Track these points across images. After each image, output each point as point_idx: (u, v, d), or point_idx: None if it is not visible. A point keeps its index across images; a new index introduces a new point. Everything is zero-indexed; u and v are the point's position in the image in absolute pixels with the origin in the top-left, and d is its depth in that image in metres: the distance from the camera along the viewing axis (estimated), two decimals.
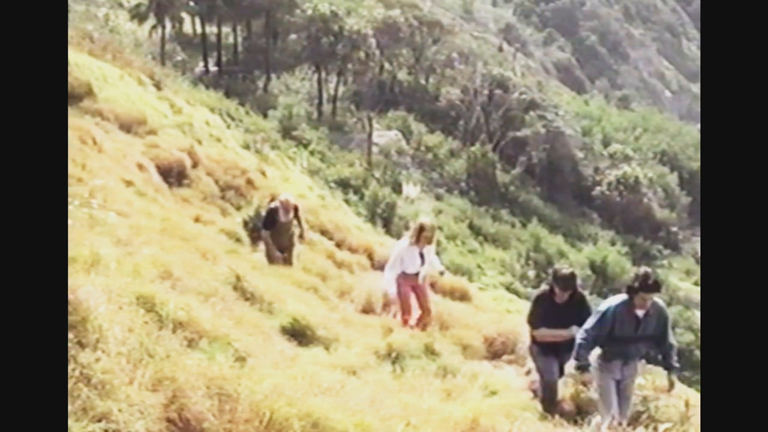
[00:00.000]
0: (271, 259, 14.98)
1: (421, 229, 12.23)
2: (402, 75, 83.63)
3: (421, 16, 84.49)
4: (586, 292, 11.20)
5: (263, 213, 16.22)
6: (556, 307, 9.97)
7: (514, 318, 15.64)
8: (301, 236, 15.84)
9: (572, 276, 9.99)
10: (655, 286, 8.70)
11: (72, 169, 12.75)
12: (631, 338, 8.77)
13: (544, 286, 10.33)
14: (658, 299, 8.91)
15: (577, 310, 9.89)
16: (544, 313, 10.05)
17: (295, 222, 15.50)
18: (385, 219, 51.20)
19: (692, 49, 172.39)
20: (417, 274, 12.38)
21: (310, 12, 69.56)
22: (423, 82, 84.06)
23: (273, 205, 15.37)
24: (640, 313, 8.70)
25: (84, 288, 4.42)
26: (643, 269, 8.95)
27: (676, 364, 8.92)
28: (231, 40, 76.41)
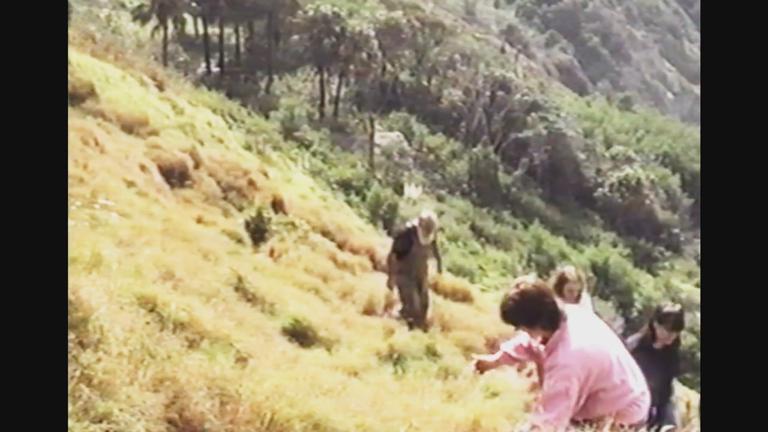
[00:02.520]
0: (405, 300, 13.03)
1: (564, 280, 9.69)
2: (404, 76, 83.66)
3: (424, 17, 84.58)
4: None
5: (394, 235, 14.04)
6: (654, 354, 7.87)
7: None
8: (439, 270, 14.32)
9: (682, 313, 8.10)
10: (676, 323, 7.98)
11: (74, 170, 12.76)
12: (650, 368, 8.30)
13: (643, 330, 8.30)
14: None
15: (674, 357, 8.27)
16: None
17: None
18: (387, 220, 51.18)
19: (694, 50, 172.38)
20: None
21: (312, 13, 69.57)
22: (425, 83, 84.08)
23: (409, 224, 12.99)
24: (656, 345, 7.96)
25: (85, 288, 4.42)
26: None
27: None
28: (233, 41, 76.44)
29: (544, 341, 5.13)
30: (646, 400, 5.20)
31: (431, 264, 13.65)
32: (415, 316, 12.75)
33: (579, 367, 4.90)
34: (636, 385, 5.16)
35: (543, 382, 5.24)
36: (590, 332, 5.14)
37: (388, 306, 13.31)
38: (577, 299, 9.50)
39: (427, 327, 12.70)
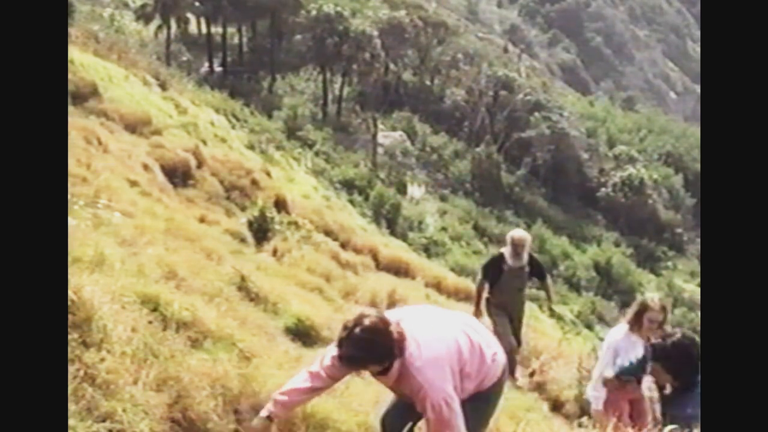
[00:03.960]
0: (495, 335, 10.26)
1: (645, 308, 7.82)
2: (407, 76, 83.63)
3: (426, 16, 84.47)
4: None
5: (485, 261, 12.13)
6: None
7: None
8: (548, 299, 12.39)
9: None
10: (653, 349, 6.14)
11: (77, 169, 12.77)
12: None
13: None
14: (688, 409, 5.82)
15: None
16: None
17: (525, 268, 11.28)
18: (390, 220, 51.17)
19: (697, 50, 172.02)
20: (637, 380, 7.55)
21: (315, 13, 69.54)
22: (428, 83, 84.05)
23: (501, 249, 11.33)
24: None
25: (88, 288, 4.42)
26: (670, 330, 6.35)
27: None
28: (236, 40, 76.44)
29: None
30: (501, 358, 5.24)
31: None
32: (506, 345, 9.95)
33: (441, 375, 4.81)
34: (489, 349, 5.16)
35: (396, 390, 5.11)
36: (429, 331, 4.96)
37: None
38: (658, 329, 7.78)
39: (514, 374, 10.66)
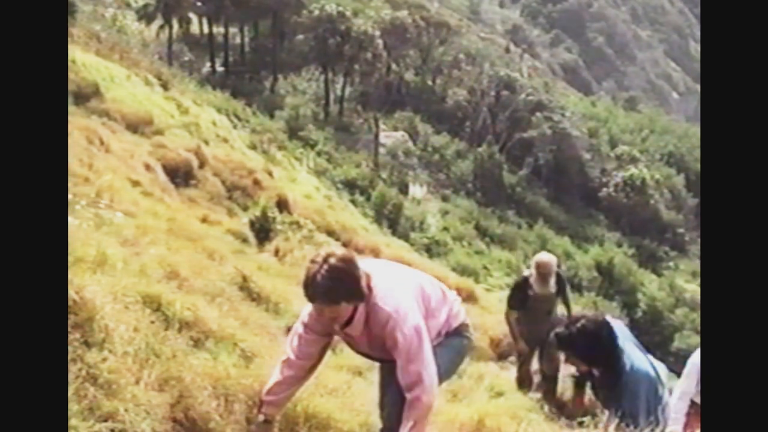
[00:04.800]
0: (521, 370, 10.76)
1: None
2: (409, 76, 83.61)
3: (429, 16, 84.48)
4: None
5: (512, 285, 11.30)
6: None
7: None
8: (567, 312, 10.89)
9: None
10: (559, 343, 5.79)
11: (79, 169, 12.78)
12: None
13: None
14: (629, 388, 5.50)
15: None
16: None
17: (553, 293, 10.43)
18: (392, 220, 51.19)
19: (699, 50, 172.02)
20: None
21: (317, 12, 69.49)
22: (430, 83, 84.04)
23: (527, 272, 10.41)
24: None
25: (90, 288, 4.43)
26: (577, 314, 6.09)
27: None
28: (238, 40, 76.46)
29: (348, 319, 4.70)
30: (460, 307, 5.22)
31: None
32: (521, 381, 10.60)
33: (409, 304, 4.70)
34: (449, 292, 5.23)
35: (365, 352, 5.00)
36: (391, 271, 4.95)
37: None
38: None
39: (568, 407, 9.89)
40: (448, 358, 5.02)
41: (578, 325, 5.51)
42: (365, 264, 4.75)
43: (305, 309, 4.90)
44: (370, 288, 4.61)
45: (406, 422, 4.60)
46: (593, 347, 5.46)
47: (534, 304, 10.16)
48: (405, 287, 4.82)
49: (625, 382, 5.41)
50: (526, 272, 10.45)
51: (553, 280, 10.16)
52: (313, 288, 4.47)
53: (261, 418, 4.77)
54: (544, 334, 9.89)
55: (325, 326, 4.82)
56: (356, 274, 4.53)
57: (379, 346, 4.75)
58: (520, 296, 10.26)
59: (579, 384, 6.58)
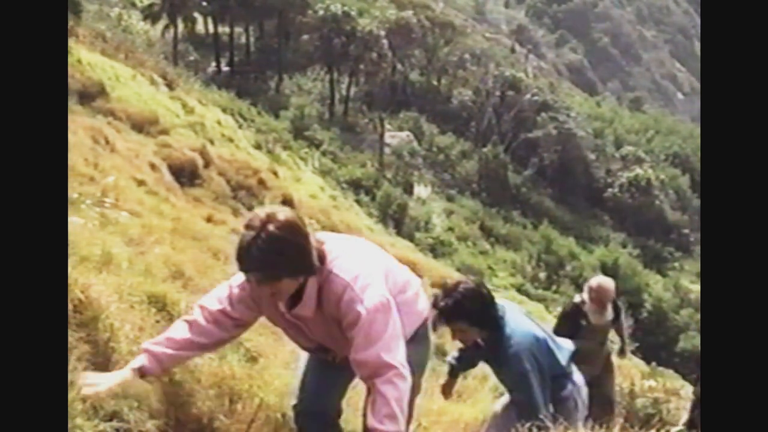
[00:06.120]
0: None
1: None
2: (414, 76, 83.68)
3: (434, 17, 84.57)
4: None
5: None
6: None
7: None
8: (621, 351, 10.03)
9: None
10: (444, 314, 5.05)
11: (84, 168, 12.80)
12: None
13: None
14: (514, 354, 5.05)
15: None
16: None
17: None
18: (397, 220, 51.23)
19: None
20: None
21: (322, 12, 69.60)
22: (435, 83, 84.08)
23: (578, 298, 8.85)
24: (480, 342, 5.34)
25: (95, 287, 4.43)
26: (450, 282, 5.26)
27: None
28: (243, 40, 76.49)
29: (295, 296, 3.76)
30: (424, 294, 4.26)
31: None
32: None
33: (370, 272, 3.79)
34: (415, 278, 4.26)
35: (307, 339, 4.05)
36: (351, 243, 4.02)
37: None
38: None
39: None
40: (416, 351, 4.08)
41: (459, 289, 5.01)
42: (320, 235, 3.84)
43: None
44: (322, 257, 3.68)
45: (377, 411, 3.62)
46: (481, 307, 5.03)
47: (587, 335, 8.46)
48: (367, 255, 3.94)
49: (508, 335, 5.05)
50: (577, 298, 8.87)
51: (610, 308, 8.79)
52: (247, 261, 3.52)
53: (135, 364, 3.80)
54: (597, 370, 8.59)
55: (262, 303, 3.89)
56: (302, 244, 3.57)
57: (340, 333, 3.79)
58: (570, 327, 8.41)
59: (454, 370, 5.96)
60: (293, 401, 4.38)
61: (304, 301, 3.72)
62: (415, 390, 4.11)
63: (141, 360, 3.81)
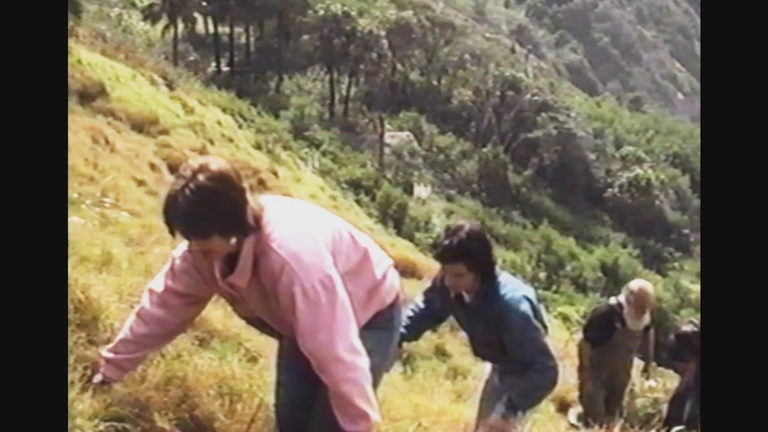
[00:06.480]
0: (585, 400, 9.07)
1: None
2: (414, 76, 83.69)
3: (434, 17, 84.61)
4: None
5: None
6: None
7: None
8: (645, 371, 9.66)
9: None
10: (446, 254, 4.78)
11: (84, 169, 12.80)
12: (469, 333, 5.35)
13: None
14: (509, 300, 4.79)
15: None
16: None
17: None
18: (397, 220, 51.20)
19: None
20: None
21: (322, 12, 69.62)
22: (435, 83, 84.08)
23: (613, 300, 8.72)
24: (465, 296, 4.98)
25: (95, 287, 4.44)
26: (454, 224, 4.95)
27: (522, 406, 4.95)
28: (243, 40, 76.49)
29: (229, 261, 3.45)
30: (395, 274, 3.88)
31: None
32: (594, 417, 7.92)
33: (313, 247, 3.41)
34: (384, 259, 3.88)
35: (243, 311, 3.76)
36: (296, 209, 3.63)
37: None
38: None
39: None
40: (381, 347, 3.75)
41: (465, 229, 4.73)
42: (264, 198, 3.51)
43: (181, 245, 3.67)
44: (259, 223, 3.35)
45: (344, 414, 3.42)
46: (484, 251, 4.78)
47: (619, 339, 8.49)
48: (313, 224, 3.54)
49: (503, 284, 4.83)
50: (612, 300, 8.75)
51: (647, 314, 8.68)
52: (172, 212, 3.22)
53: (98, 378, 3.74)
54: (621, 377, 8.84)
55: (203, 270, 3.62)
56: (234, 198, 3.27)
57: (278, 310, 3.46)
58: (604, 328, 8.51)
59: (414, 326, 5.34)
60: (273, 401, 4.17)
61: (238, 271, 3.40)
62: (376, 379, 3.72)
63: (102, 371, 3.76)
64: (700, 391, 7.00)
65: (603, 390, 8.77)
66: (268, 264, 3.33)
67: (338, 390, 3.37)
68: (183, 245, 3.62)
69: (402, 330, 4.52)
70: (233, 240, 3.30)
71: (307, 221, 3.53)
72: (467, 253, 4.69)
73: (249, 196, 3.34)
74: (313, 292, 3.29)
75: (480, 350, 5.32)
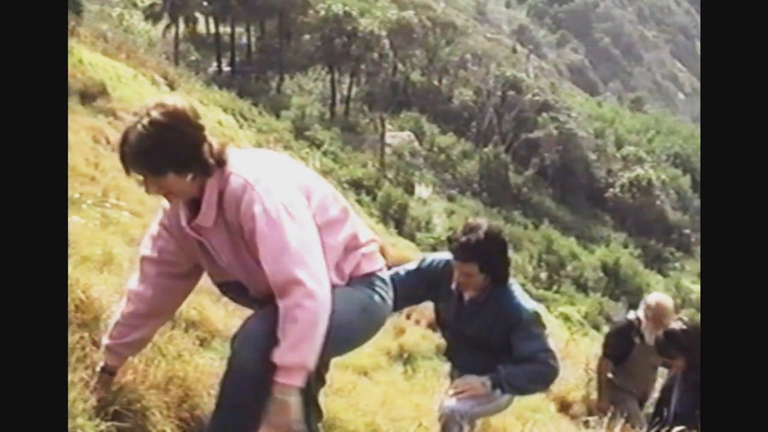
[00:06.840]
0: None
1: None
2: (415, 76, 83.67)
3: (435, 17, 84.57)
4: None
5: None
6: None
7: None
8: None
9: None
10: (460, 252, 4.69)
11: (85, 168, 12.80)
12: (454, 329, 5.12)
13: None
14: (515, 296, 4.85)
15: None
16: None
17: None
18: (398, 220, 51.23)
19: None
20: None
21: (323, 12, 69.57)
22: (436, 83, 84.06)
23: (632, 315, 8.34)
24: (465, 295, 4.88)
25: (97, 287, 4.43)
26: (473, 221, 4.84)
27: (507, 384, 4.77)
28: (244, 40, 76.50)
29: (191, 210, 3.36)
30: (377, 250, 3.65)
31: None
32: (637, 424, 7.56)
33: (279, 179, 3.30)
34: (365, 230, 3.67)
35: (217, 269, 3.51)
36: (265, 157, 3.48)
37: None
38: None
39: None
40: (346, 310, 3.38)
41: (484, 229, 4.61)
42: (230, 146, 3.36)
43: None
44: (221, 159, 3.25)
45: (283, 339, 3.13)
46: (500, 253, 4.70)
47: (639, 354, 8.05)
48: (284, 165, 3.43)
49: (512, 286, 4.79)
50: (631, 314, 8.38)
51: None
52: (126, 148, 3.13)
53: (100, 364, 3.68)
54: (641, 395, 8.38)
55: (171, 228, 3.52)
56: (189, 134, 3.18)
57: (247, 252, 3.31)
58: (622, 344, 8.13)
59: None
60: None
61: (203, 210, 3.27)
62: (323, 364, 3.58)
63: (103, 359, 3.70)
64: (685, 387, 7.45)
65: (635, 402, 8.23)
66: (231, 190, 3.22)
67: (291, 313, 3.13)
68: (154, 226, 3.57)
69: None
70: (190, 177, 3.19)
71: (276, 161, 3.45)
72: (482, 255, 4.60)
73: (209, 135, 3.25)
74: (276, 212, 3.15)
75: (459, 351, 5.15)
